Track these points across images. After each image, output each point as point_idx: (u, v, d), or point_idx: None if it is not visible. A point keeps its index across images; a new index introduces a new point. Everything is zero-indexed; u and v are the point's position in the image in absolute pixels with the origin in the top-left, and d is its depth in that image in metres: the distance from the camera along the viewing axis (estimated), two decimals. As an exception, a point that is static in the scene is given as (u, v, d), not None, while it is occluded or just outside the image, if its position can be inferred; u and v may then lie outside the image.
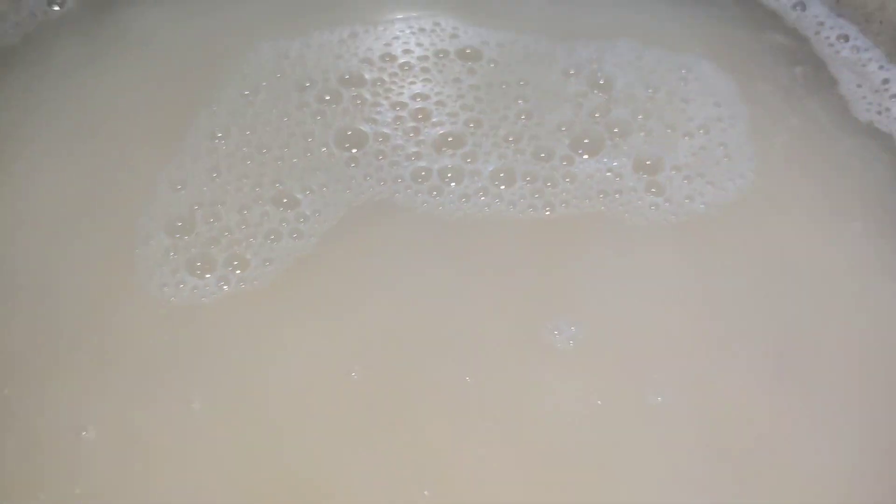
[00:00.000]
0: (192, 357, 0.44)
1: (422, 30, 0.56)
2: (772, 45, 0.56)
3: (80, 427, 0.43)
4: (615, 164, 0.50)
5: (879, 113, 0.53)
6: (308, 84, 0.54)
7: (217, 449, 0.42)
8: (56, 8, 0.58)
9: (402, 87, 0.54)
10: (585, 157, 0.50)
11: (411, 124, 0.52)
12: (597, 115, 0.52)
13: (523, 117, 0.52)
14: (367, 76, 0.54)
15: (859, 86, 0.54)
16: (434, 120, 0.52)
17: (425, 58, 0.55)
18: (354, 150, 0.51)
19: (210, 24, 0.57)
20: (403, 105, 0.53)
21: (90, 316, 0.46)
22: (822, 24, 0.56)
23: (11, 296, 0.47)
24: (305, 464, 0.42)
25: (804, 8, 0.57)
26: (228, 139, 0.51)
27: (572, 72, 0.54)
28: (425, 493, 0.40)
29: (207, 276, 0.47)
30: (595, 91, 0.53)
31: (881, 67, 0.54)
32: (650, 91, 0.53)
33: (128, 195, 0.50)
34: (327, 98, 0.53)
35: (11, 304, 0.47)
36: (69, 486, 0.41)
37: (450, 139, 0.52)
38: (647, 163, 0.50)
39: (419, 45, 0.56)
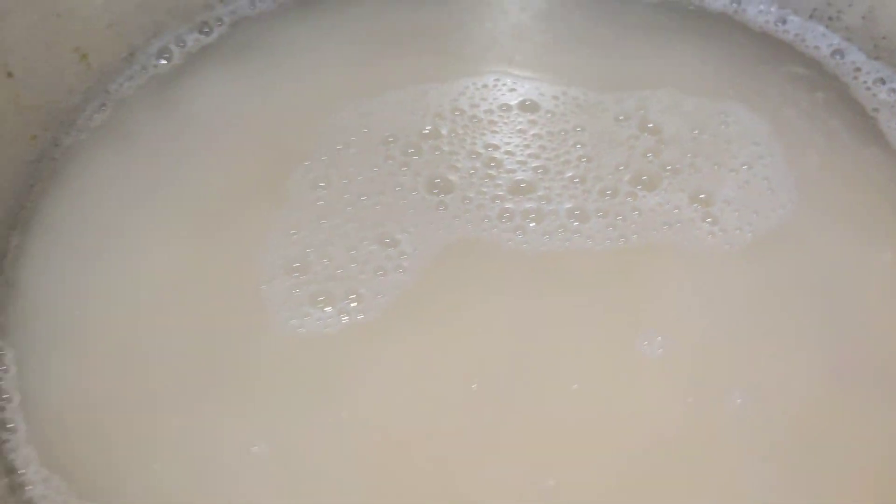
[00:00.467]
0: (329, 378, 0.50)
1: (484, 86, 0.64)
2: (796, 77, 0.63)
3: (247, 445, 0.48)
4: (673, 198, 0.57)
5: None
6: (391, 139, 0.60)
7: (360, 456, 0.48)
8: (132, 82, 0.64)
9: (475, 138, 0.61)
10: (646, 193, 0.57)
11: (488, 171, 0.59)
12: (649, 155, 0.59)
13: (584, 160, 0.60)
14: (442, 130, 0.61)
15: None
16: (507, 167, 0.59)
17: (490, 111, 0.62)
18: (442, 196, 0.57)
19: (294, 90, 0.63)
20: (478, 154, 0.60)
21: (232, 350, 0.52)
22: (859, 69, 0.63)
23: (157, 341, 0.53)
24: (438, 472, 0.48)
25: (843, 55, 0.64)
26: (329, 189, 0.58)
27: (622, 118, 0.61)
28: (550, 482, 0.47)
29: (328, 309, 0.53)
30: (645, 134, 0.60)
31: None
32: (695, 132, 0.60)
33: (244, 245, 0.55)
34: (410, 150, 0.60)
35: (158, 346, 0.53)
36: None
37: (523, 185, 0.58)
38: (701, 196, 0.57)
39: (483, 99, 0.63)
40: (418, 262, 0.55)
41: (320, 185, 0.58)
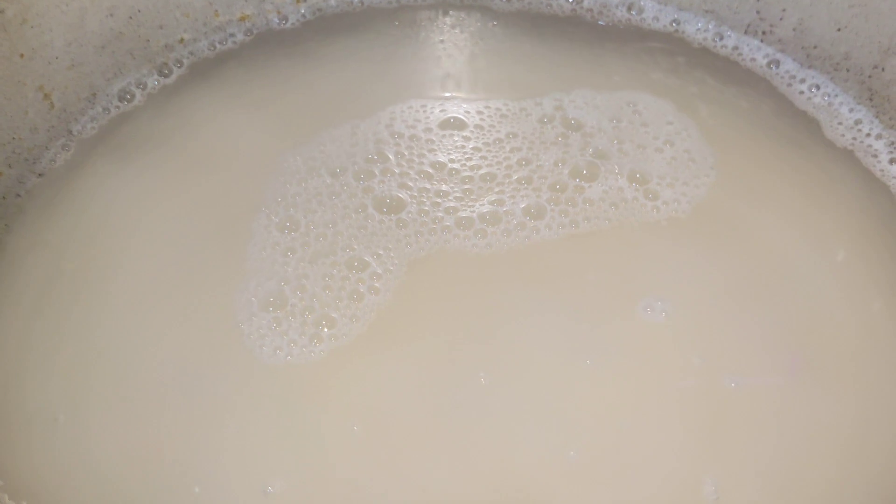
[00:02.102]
0: (326, 404, 0.51)
1: (410, 108, 0.65)
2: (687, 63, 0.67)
3: (265, 482, 0.49)
4: (614, 182, 0.60)
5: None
6: (339, 170, 0.61)
7: (379, 463, 0.50)
8: (94, 123, 0.65)
9: (421, 157, 0.62)
10: (589, 182, 0.60)
11: (440, 187, 0.60)
12: (580, 148, 0.62)
13: (524, 163, 0.62)
14: (388, 153, 0.63)
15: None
16: (456, 179, 0.61)
17: (429, 129, 0.64)
18: (401, 214, 0.59)
19: (246, 135, 0.64)
20: (427, 174, 0.61)
21: (219, 388, 0.52)
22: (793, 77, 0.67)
23: (136, 384, 0.53)
24: (458, 470, 0.49)
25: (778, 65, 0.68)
26: (292, 225, 0.58)
27: (545, 120, 0.64)
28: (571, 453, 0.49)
29: (311, 338, 0.54)
30: (571, 131, 0.63)
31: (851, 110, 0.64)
32: (614, 122, 0.64)
33: (217, 287, 0.56)
34: (362, 177, 0.61)
35: (136, 389, 0.53)
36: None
37: (474, 193, 0.60)
38: (637, 176, 0.61)
39: (417, 121, 0.64)
40: (390, 282, 0.56)
41: (286, 224, 0.59)
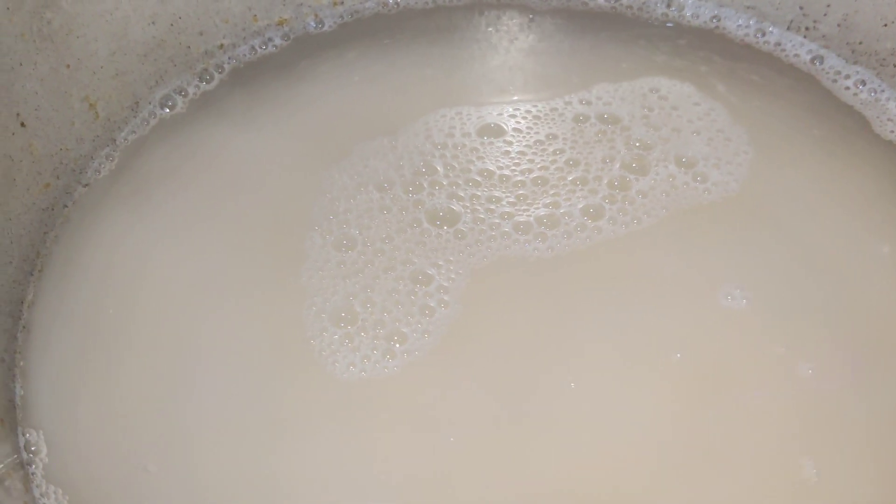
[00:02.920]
0: (404, 418, 0.51)
1: (444, 116, 0.64)
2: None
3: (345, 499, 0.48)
4: (663, 170, 0.60)
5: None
6: (385, 184, 0.60)
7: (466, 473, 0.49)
8: (138, 131, 0.65)
9: (468, 165, 0.61)
10: (639, 176, 0.60)
11: (492, 193, 0.60)
12: (623, 142, 0.62)
13: (572, 163, 0.61)
14: (434, 164, 0.62)
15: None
16: (508, 185, 0.61)
17: (468, 135, 0.63)
18: (458, 225, 0.58)
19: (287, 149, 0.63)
20: (476, 182, 0.60)
21: (293, 405, 0.52)
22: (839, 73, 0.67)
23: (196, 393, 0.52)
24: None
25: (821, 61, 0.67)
26: (348, 243, 0.57)
27: (581, 118, 0.64)
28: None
29: (385, 353, 0.53)
30: (608, 126, 0.63)
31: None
32: (645, 111, 0.63)
33: (282, 303, 0.55)
34: (411, 189, 0.60)
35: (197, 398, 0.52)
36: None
37: (529, 198, 0.60)
38: (684, 161, 0.61)
39: (453, 128, 0.63)
40: (457, 294, 0.55)
41: (343, 242, 0.58)
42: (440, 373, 0.52)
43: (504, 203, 0.59)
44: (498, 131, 0.63)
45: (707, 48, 0.68)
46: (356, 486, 0.49)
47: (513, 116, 0.64)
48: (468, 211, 0.59)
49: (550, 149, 0.62)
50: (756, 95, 0.65)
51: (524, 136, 0.63)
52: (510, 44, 0.70)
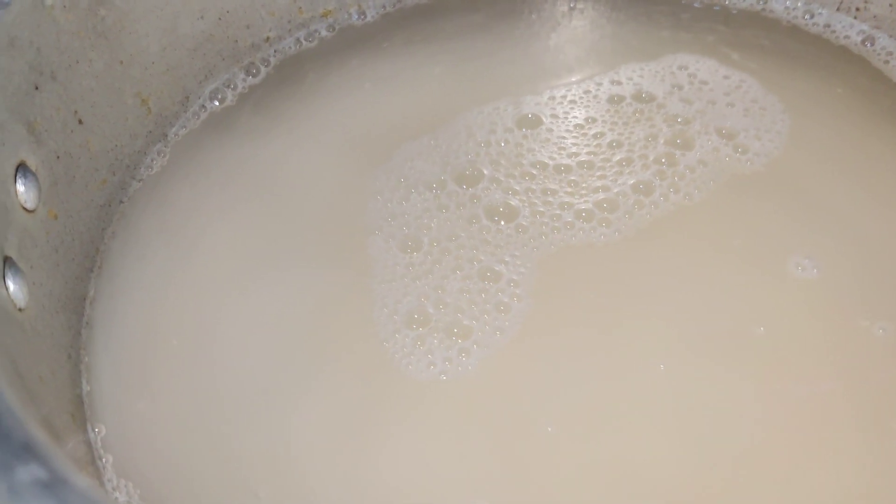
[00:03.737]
0: (489, 418, 0.50)
1: (481, 112, 0.64)
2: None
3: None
4: (707, 143, 0.61)
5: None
6: (435, 185, 0.60)
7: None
8: (189, 126, 0.64)
9: (517, 158, 0.61)
10: (684, 151, 0.60)
11: (546, 185, 0.60)
12: (662, 119, 0.62)
13: (615, 144, 0.62)
14: (481, 161, 0.61)
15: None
16: (558, 173, 0.60)
17: (510, 130, 0.63)
18: (518, 220, 0.58)
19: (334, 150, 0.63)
20: (528, 174, 0.60)
21: (372, 408, 0.51)
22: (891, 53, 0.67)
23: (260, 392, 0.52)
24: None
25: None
26: (414, 241, 0.57)
27: (616, 99, 0.64)
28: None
29: (462, 352, 0.52)
30: (644, 105, 0.63)
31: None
32: (674, 88, 0.64)
33: (349, 306, 0.54)
34: (464, 186, 0.60)
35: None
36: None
37: (583, 184, 0.60)
38: (724, 132, 0.61)
39: (495, 123, 0.63)
40: (529, 288, 0.55)
41: (408, 244, 0.57)
42: (519, 369, 0.52)
43: (560, 193, 0.59)
44: (536, 121, 0.63)
45: (709, 19, 0.68)
46: (440, 488, 0.49)
47: (548, 104, 0.64)
48: (525, 204, 0.59)
49: (591, 132, 0.63)
50: (791, 70, 0.65)
51: (563, 123, 0.63)
52: (548, 31, 0.70)
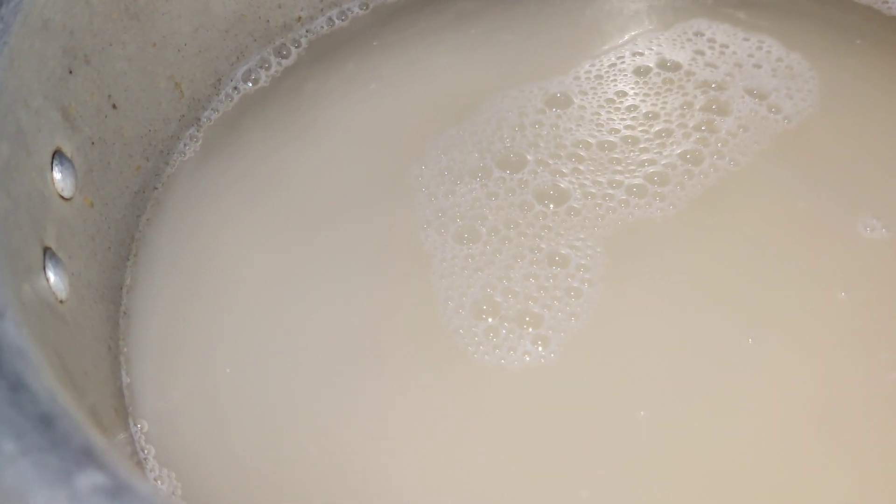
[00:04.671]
0: (574, 408, 0.49)
1: (507, 96, 0.62)
2: None
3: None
4: (742, 105, 0.59)
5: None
6: (480, 174, 0.58)
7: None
8: (221, 108, 0.63)
9: (555, 140, 0.59)
10: (721, 116, 0.59)
11: (590, 164, 0.58)
12: (693, 87, 0.61)
13: (651, 116, 0.60)
14: (521, 146, 0.59)
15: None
16: (601, 152, 0.59)
17: (542, 111, 0.61)
18: (569, 202, 0.56)
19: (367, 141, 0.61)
20: (572, 155, 0.59)
21: (448, 404, 0.49)
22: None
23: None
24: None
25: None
26: (470, 232, 0.55)
27: (641, 71, 0.62)
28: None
29: (536, 340, 0.51)
30: (671, 73, 0.61)
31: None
32: (696, 55, 0.62)
33: (416, 305, 0.52)
34: (508, 171, 0.58)
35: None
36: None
37: (627, 160, 0.58)
38: (755, 93, 0.60)
39: (524, 106, 0.61)
40: (598, 272, 0.53)
41: (464, 235, 0.55)
42: (601, 353, 0.50)
43: (609, 171, 0.57)
44: (566, 101, 0.61)
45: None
46: (540, 480, 0.47)
47: (574, 82, 0.62)
48: (575, 186, 0.57)
49: (624, 105, 0.61)
50: (805, 26, 0.64)
51: (593, 99, 0.61)
52: (562, 9, 0.67)
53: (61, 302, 0.46)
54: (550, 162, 0.58)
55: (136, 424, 0.51)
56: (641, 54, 0.63)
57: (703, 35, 0.63)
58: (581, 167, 0.58)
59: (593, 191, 0.57)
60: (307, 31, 0.66)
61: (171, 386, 0.53)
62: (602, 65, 0.63)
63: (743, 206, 0.55)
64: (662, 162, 0.57)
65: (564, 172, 0.58)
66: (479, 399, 0.50)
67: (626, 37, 0.64)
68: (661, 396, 0.49)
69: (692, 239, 0.54)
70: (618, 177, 0.57)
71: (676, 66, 0.62)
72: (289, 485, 0.49)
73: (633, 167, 0.57)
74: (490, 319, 0.51)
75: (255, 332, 0.53)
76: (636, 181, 0.57)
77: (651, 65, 0.62)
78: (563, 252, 0.54)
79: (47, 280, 0.45)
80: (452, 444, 0.48)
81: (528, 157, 0.58)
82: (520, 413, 0.49)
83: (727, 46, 0.62)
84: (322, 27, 0.66)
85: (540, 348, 0.51)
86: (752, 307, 0.51)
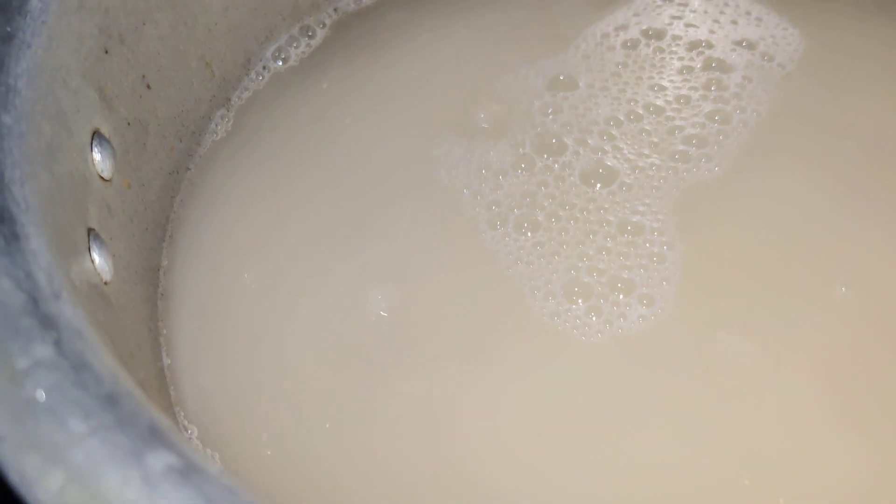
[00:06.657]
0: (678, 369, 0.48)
1: (514, 78, 0.60)
2: None
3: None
4: (739, 58, 0.59)
5: None
6: (524, 164, 0.55)
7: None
8: (252, 87, 0.62)
9: (578, 119, 0.58)
10: (728, 73, 0.59)
11: (626, 140, 0.56)
12: (696, 56, 0.60)
13: (657, 89, 0.59)
14: (548, 130, 0.57)
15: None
16: (631, 124, 0.57)
17: (554, 93, 0.59)
18: (621, 178, 0.55)
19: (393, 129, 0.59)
20: (605, 133, 0.57)
21: (560, 381, 0.48)
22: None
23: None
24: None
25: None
26: (530, 222, 0.53)
27: (630, 45, 0.61)
28: None
29: (640, 310, 0.50)
30: (657, 41, 0.61)
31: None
32: (680, 20, 0.62)
33: (502, 296, 0.51)
34: (545, 156, 0.56)
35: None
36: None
37: (659, 131, 0.57)
38: (744, 44, 0.60)
39: (527, 90, 0.60)
40: (674, 235, 0.52)
41: (523, 225, 0.53)
42: (699, 315, 0.49)
43: (645, 144, 0.56)
44: (570, 82, 0.60)
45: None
46: (642, 447, 0.46)
47: (571, 63, 0.61)
48: (623, 164, 0.55)
49: (645, 86, 0.60)
50: None
51: (597, 77, 0.60)
52: None
53: (106, 283, 0.45)
54: (578, 144, 0.56)
55: (178, 403, 0.50)
56: (626, 27, 0.62)
57: (681, 7, 0.62)
58: (622, 146, 0.56)
59: (641, 165, 0.55)
60: (335, 10, 0.64)
61: (212, 366, 0.52)
62: (592, 44, 0.61)
63: (790, 158, 0.55)
64: (690, 129, 0.56)
65: (605, 150, 0.56)
66: (613, 373, 0.48)
67: (603, 13, 0.63)
68: (750, 363, 0.48)
69: (749, 194, 0.53)
70: (657, 146, 0.56)
71: (661, 34, 0.61)
72: (340, 467, 0.48)
73: (666, 136, 0.56)
74: (581, 301, 0.50)
75: (294, 316, 0.52)
76: (680, 147, 0.56)
77: (637, 36, 0.61)
78: (634, 219, 0.53)
79: (92, 261, 0.44)
80: (608, 427, 0.47)
81: (560, 142, 0.57)
82: (660, 370, 0.48)
83: (708, 12, 0.62)
84: (349, 5, 0.65)
85: (645, 313, 0.49)
86: (842, 255, 0.50)
